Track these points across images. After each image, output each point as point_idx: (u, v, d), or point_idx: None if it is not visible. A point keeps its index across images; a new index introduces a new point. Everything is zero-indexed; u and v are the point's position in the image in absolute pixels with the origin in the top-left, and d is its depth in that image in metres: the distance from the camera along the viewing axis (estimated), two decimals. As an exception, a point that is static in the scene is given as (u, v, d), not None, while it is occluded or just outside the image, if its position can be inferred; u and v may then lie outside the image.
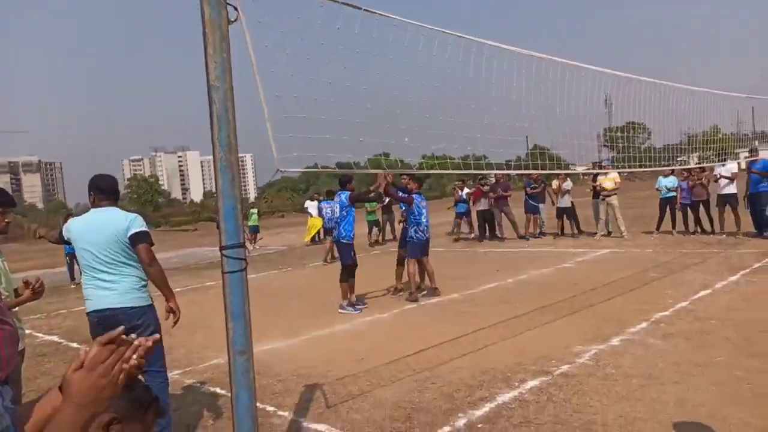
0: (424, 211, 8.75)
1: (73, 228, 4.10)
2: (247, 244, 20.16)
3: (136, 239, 3.88)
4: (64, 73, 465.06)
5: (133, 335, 1.78)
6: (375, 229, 18.12)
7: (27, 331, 3.72)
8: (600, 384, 4.70)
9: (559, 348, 5.71)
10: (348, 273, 8.39)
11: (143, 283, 4.04)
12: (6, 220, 3.43)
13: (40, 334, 8.46)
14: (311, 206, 20.75)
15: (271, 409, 4.80)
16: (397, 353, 5.91)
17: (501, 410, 4.32)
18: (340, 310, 8.30)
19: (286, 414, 4.65)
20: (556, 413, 4.18)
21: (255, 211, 21.94)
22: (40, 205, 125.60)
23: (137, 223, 3.92)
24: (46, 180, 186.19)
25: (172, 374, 6.03)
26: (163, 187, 67.36)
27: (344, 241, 8.43)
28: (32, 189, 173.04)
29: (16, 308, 3.39)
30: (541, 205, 15.86)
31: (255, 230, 20.91)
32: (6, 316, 2.59)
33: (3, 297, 2.61)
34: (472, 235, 16.73)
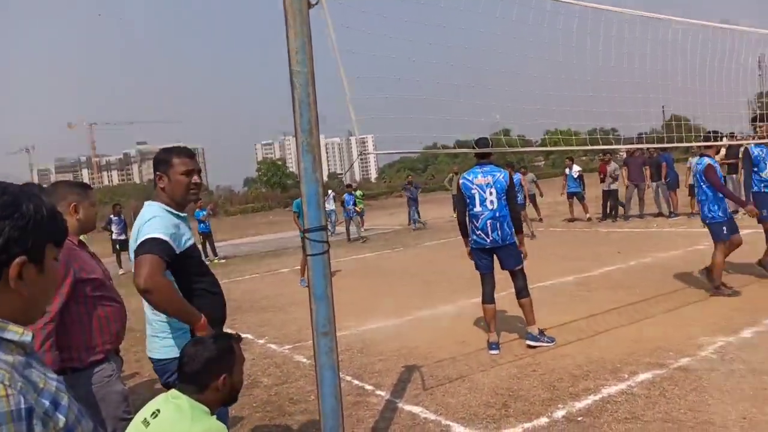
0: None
1: None
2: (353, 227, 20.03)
3: (137, 252, 2.54)
4: (201, 62, 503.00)
5: None
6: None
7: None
8: (723, 380, 4.23)
9: (679, 339, 5.23)
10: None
11: (179, 324, 2.70)
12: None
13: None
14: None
15: (369, 387, 4.88)
16: (500, 337, 5.74)
17: (605, 404, 4.04)
18: None
19: (383, 393, 4.70)
20: (668, 410, 3.83)
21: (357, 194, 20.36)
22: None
23: (146, 229, 2.59)
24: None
25: (283, 348, 6.36)
26: (290, 170, 70.82)
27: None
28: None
29: None
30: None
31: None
32: (114, 293, 2.84)
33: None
34: (587, 216, 15.80)
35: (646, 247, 10.48)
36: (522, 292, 5.50)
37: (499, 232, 5.40)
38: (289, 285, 10.35)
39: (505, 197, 5.42)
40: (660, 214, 14.69)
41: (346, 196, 17.71)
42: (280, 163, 72.10)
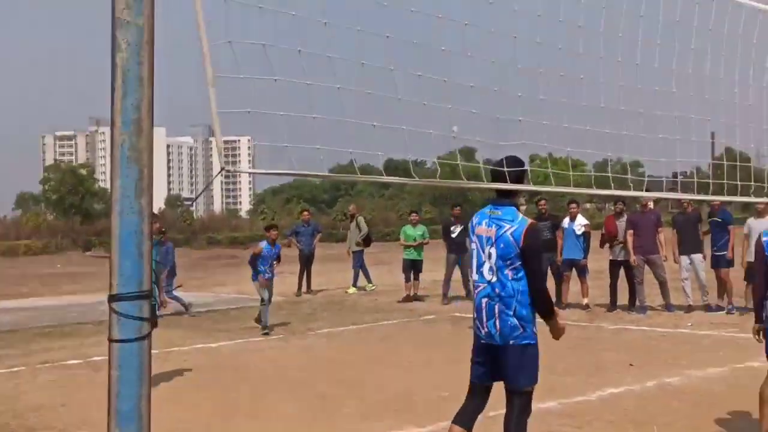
0: None
1: None
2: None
3: None
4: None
5: None
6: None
7: None
8: None
9: None
10: None
11: None
12: None
13: None
14: None
15: None
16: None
17: None
18: None
19: None
20: None
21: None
22: None
23: None
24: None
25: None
26: (101, 184, 69.38)
27: None
28: None
29: None
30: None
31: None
32: None
33: None
34: (585, 302, 16.29)
35: (673, 358, 10.90)
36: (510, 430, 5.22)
37: (497, 323, 5.16)
38: (82, 389, 9.94)
39: (513, 266, 5.17)
40: (690, 308, 15.31)
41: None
42: (84, 172, 70.24)
